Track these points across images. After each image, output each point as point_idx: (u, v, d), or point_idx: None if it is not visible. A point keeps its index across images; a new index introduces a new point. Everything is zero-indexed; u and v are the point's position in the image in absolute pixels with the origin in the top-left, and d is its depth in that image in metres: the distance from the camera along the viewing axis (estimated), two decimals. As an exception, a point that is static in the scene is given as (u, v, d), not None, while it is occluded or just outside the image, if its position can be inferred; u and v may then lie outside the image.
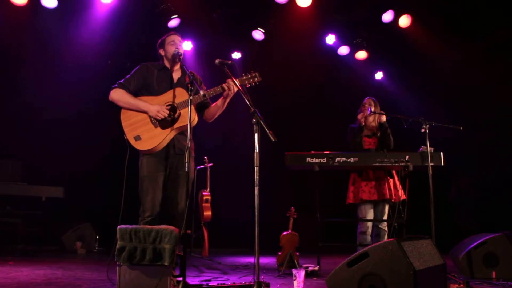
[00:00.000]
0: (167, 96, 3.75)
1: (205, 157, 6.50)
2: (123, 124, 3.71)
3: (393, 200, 4.91)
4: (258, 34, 7.42)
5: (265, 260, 5.67)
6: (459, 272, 4.39)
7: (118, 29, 7.03)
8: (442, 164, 4.65)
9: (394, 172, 5.01)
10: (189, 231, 6.37)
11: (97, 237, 7.06)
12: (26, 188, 6.38)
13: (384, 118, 5.09)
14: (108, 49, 7.17)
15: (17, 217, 6.36)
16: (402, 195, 4.92)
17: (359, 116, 5.13)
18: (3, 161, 6.55)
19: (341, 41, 7.80)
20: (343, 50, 7.87)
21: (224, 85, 3.71)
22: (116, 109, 3.84)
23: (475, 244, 4.33)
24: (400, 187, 4.94)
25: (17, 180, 6.47)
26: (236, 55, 8.05)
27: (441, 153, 4.66)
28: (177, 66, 3.95)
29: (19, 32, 6.75)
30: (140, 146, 3.66)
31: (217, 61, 3.52)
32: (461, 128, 4.69)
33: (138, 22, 7.02)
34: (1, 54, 6.88)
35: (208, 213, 6.29)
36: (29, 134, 7.07)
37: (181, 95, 3.73)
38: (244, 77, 3.71)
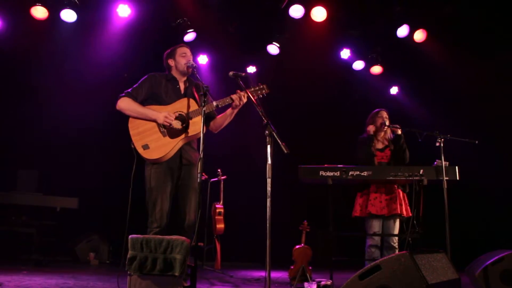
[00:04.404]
0: (176, 106, 3.79)
1: (219, 170, 6.51)
2: (131, 132, 3.72)
3: (404, 215, 4.84)
4: (273, 48, 7.46)
5: (277, 274, 5.61)
6: (476, 289, 4.29)
7: (135, 42, 7.14)
8: (457, 178, 4.59)
9: (407, 186, 4.95)
10: (201, 244, 6.35)
11: (111, 248, 7.08)
12: (42, 198, 6.46)
13: (400, 130, 5.04)
14: (125, 62, 7.27)
15: (32, 227, 6.42)
16: (409, 211, 4.85)
17: (369, 128, 5.08)
18: (20, 171, 6.64)
19: (356, 55, 7.80)
20: (358, 64, 7.86)
21: (233, 96, 3.75)
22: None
23: (491, 260, 4.22)
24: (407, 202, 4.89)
25: (33, 190, 6.55)
26: (251, 69, 8.09)
27: (456, 167, 4.60)
28: (185, 78, 3.99)
29: (39, 45, 6.90)
30: (148, 155, 3.67)
31: (231, 73, 3.55)
32: (476, 142, 4.64)
33: (155, 36, 7.11)
34: (21, 66, 7.03)
35: (221, 225, 6.29)
36: (46, 145, 7.16)
37: (190, 105, 3.77)
38: (252, 89, 3.74)
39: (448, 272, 3.08)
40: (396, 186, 4.90)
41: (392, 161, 5.01)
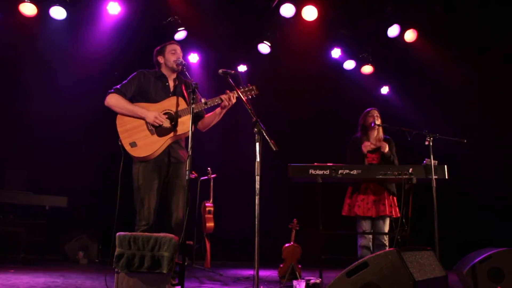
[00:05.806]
0: (165, 104, 3.77)
1: (209, 168, 6.50)
2: (119, 130, 3.70)
3: (393, 216, 4.86)
4: (264, 47, 7.45)
5: (267, 273, 5.61)
6: (464, 287, 4.31)
7: (125, 40, 7.10)
8: (446, 177, 4.61)
9: (395, 189, 4.97)
10: (191, 242, 6.34)
11: (100, 247, 7.04)
12: (30, 197, 6.39)
13: (387, 149, 4.99)
14: (115, 61, 7.21)
15: (20, 226, 6.35)
16: (398, 212, 4.87)
17: (363, 147, 5.01)
18: (9, 170, 6.57)
19: (347, 55, 7.82)
20: (349, 64, 7.88)
21: (222, 96, 3.73)
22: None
23: (479, 258, 4.25)
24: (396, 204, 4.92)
25: (22, 189, 6.48)
26: (242, 68, 8.07)
27: (445, 166, 4.63)
28: (174, 75, 3.96)
29: (27, 42, 6.84)
30: (135, 152, 3.64)
31: (220, 71, 3.53)
32: (465, 141, 4.66)
33: (145, 34, 7.07)
34: (8, 64, 6.95)
35: (210, 224, 6.28)
36: (35, 143, 7.09)
37: (179, 103, 3.75)
38: (242, 90, 3.73)
39: (436, 270, 3.09)
40: (383, 188, 4.91)
41: (382, 162, 5.00)
